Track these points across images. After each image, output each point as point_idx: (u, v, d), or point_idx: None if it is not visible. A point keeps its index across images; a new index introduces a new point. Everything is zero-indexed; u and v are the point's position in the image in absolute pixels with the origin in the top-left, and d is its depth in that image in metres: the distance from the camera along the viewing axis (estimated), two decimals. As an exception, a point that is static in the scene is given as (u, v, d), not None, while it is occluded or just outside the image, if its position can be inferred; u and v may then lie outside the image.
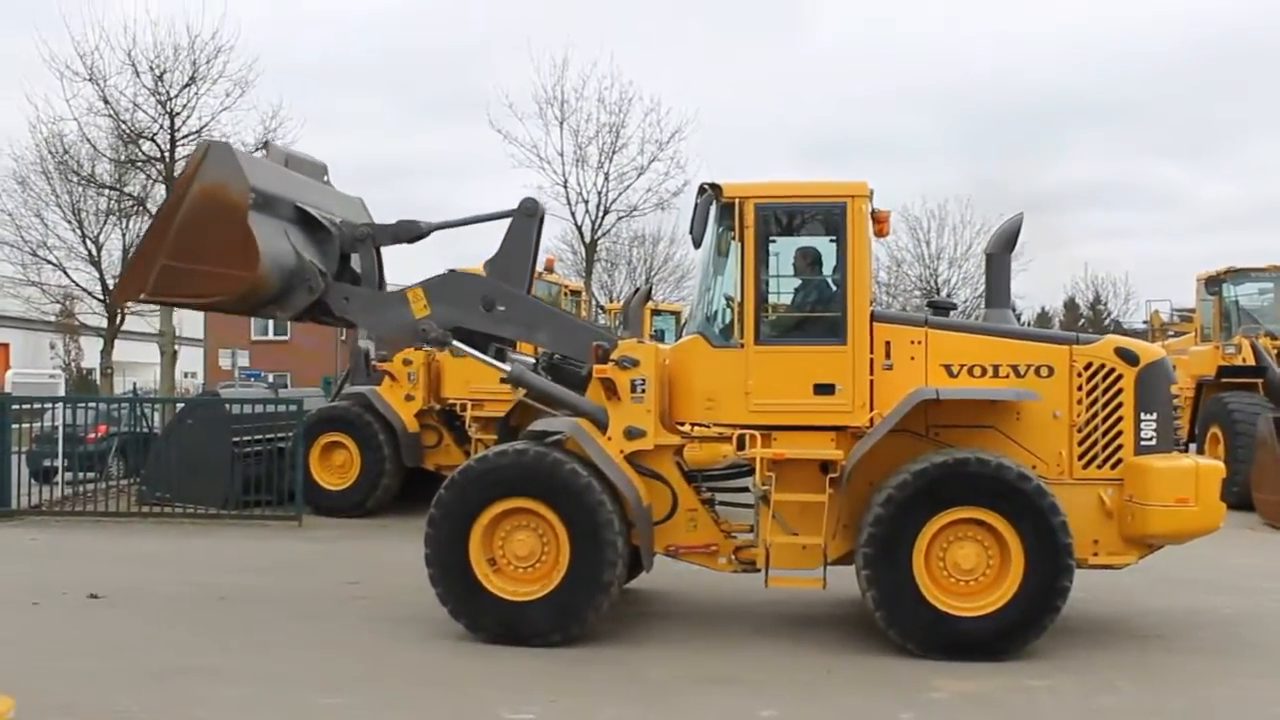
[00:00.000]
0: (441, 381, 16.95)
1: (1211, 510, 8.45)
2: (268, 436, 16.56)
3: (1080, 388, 8.64)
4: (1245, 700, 7.43)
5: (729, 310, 9.00)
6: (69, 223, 31.13)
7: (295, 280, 9.47)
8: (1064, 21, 76.95)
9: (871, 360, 8.63)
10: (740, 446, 8.72)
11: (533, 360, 9.86)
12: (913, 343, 8.76)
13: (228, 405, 17.81)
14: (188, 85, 26.50)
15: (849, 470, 8.44)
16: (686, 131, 33.69)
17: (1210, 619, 9.71)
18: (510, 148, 32.66)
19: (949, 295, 43.36)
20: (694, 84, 65.76)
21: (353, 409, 16.81)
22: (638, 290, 18.45)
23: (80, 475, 17.68)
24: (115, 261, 30.98)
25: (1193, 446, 17.77)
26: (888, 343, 8.72)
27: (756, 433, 8.65)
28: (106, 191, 30.01)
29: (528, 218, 9.94)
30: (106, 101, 26.42)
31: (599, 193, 32.71)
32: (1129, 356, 8.68)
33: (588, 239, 33.47)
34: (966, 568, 8.16)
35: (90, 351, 44.18)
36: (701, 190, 8.91)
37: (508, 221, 9.90)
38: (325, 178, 10.61)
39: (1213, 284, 19.64)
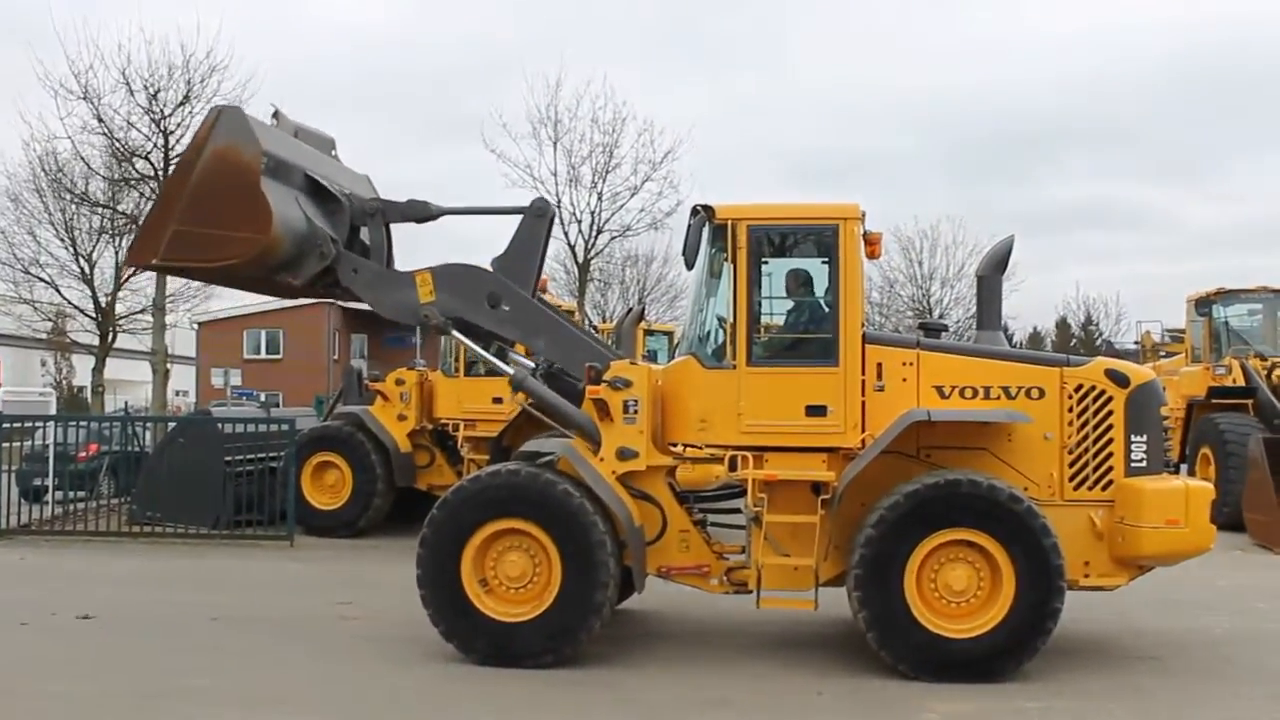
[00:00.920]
0: (434, 401, 16.98)
1: (1202, 532, 8.47)
2: (259, 456, 16.51)
3: (1071, 409, 8.67)
4: (1236, 722, 7.44)
5: (721, 331, 9.02)
6: (61, 240, 31.12)
7: (306, 246, 9.45)
8: (1052, 45, 77.55)
9: (863, 382, 8.65)
10: (732, 467, 8.73)
11: (533, 365, 9.79)
12: (904, 364, 8.78)
13: (219, 424, 17.76)
14: (182, 104, 26.49)
15: (841, 491, 8.46)
16: (679, 152, 33.78)
17: (1202, 639, 9.72)
18: (504, 167, 32.75)
19: (941, 316, 43.47)
20: (685, 104, 65.98)
21: (345, 429, 16.81)
22: (631, 310, 18.48)
23: (70, 494, 17.63)
24: (108, 280, 30.97)
25: (1184, 467, 17.81)
26: (879, 364, 8.74)
27: (748, 454, 8.66)
28: (99, 209, 30.00)
29: (538, 218, 9.95)
30: (100, 120, 26.40)
31: (592, 213, 32.75)
32: (1119, 378, 8.71)
33: (581, 259, 33.50)
34: (958, 589, 8.16)
35: (82, 369, 44.14)
36: (694, 212, 8.94)
37: (512, 219, 9.88)
38: (333, 152, 10.57)
39: (1202, 305, 19.72)
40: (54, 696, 7.75)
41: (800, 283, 9.02)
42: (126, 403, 33.73)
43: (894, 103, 75.26)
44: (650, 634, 9.87)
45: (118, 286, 31.04)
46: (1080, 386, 8.70)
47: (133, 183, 28.01)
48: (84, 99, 26.20)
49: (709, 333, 9.22)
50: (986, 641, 8.07)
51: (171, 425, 19.13)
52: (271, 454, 16.52)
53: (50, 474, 17.79)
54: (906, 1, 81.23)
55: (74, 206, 30.22)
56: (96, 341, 32.29)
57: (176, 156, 26.73)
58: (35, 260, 31.66)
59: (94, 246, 31.22)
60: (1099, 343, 47.68)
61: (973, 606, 8.18)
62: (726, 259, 8.80)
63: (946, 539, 8.15)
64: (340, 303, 45.91)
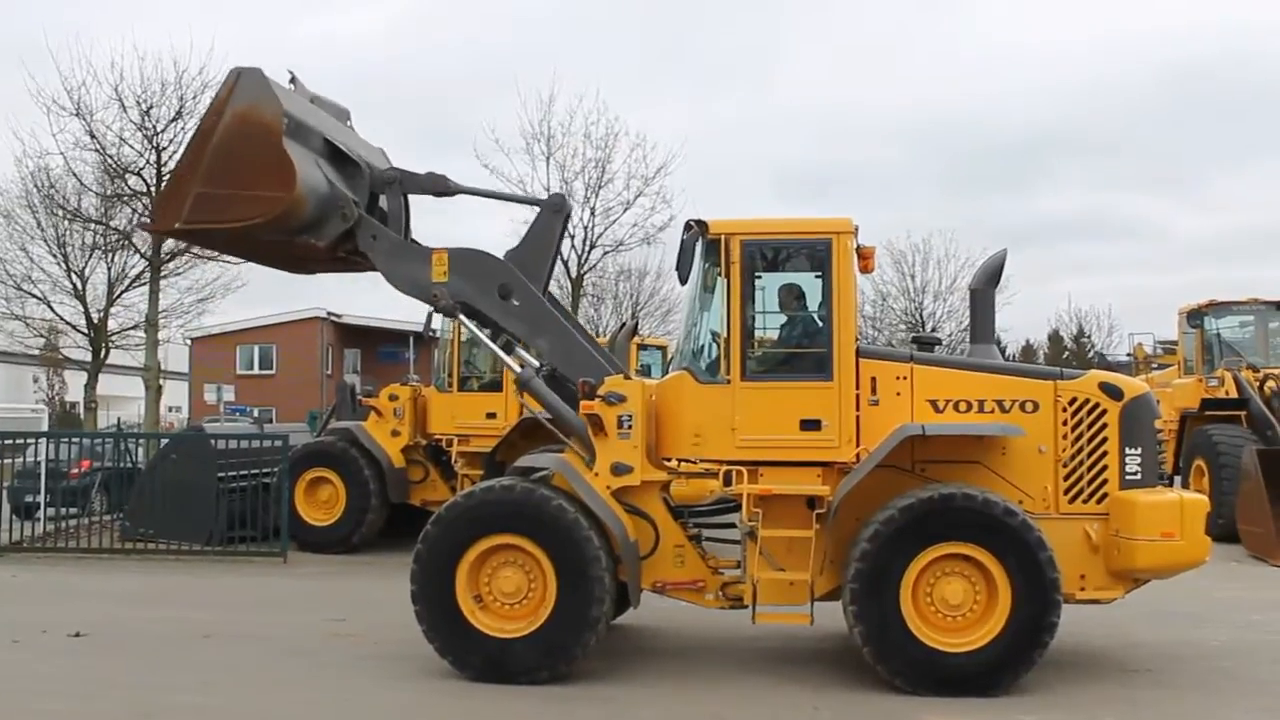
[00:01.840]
0: (428, 417, 16.95)
1: (1197, 544, 8.48)
2: (252, 472, 16.48)
3: (1065, 422, 8.68)
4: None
5: (715, 346, 9.03)
6: (54, 257, 31.02)
7: (329, 207, 9.39)
8: (1042, 59, 77.96)
9: (857, 396, 8.66)
10: (727, 482, 8.72)
11: (538, 365, 9.72)
12: (898, 378, 8.79)
13: (212, 440, 17.72)
14: (174, 120, 26.49)
15: (836, 506, 8.45)
16: (672, 167, 33.83)
17: (1198, 652, 9.72)
18: (497, 182, 32.78)
19: (934, 329, 43.54)
20: (676, 119, 66.18)
21: (338, 444, 16.78)
22: (624, 325, 18.49)
23: (63, 511, 17.56)
24: (100, 296, 30.88)
25: (1177, 479, 17.84)
26: (873, 378, 8.75)
27: (743, 468, 8.66)
28: (92, 226, 29.94)
29: (554, 213, 9.92)
30: (93, 136, 26.41)
31: (585, 227, 32.77)
32: (1113, 391, 8.72)
33: (574, 274, 33.51)
34: (954, 603, 8.15)
35: (74, 385, 43.94)
36: (688, 227, 8.95)
37: (518, 215, 9.88)
38: (348, 122, 10.51)
39: (1194, 317, 19.80)
40: (45, 715, 7.70)
41: (794, 297, 9.03)
42: (119, 419, 33.61)
43: (885, 116, 75.64)
44: (645, 649, 9.84)
45: (110, 302, 30.96)
46: (1074, 399, 8.71)
47: (125, 199, 28.00)
48: (76, 115, 26.25)
49: (703, 347, 9.23)
50: (983, 655, 8.06)
51: (164, 441, 19.04)
52: (265, 470, 16.48)
53: (42, 490, 17.72)
54: (897, 15, 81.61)
55: (66, 222, 30.14)
56: (89, 357, 32.19)
57: (169, 173, 26.81)
58: (27, 276, 31.58)
59: (86, 262, 31.14)
60: (1091, 355, 47.84)
61: (969, 620, 8.16)
62: (720, 274, 8.82)
63: (942, 553, 8.14)
64: (333, 318, 46.09)
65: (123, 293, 30.88)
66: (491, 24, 77.48)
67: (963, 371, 8.96)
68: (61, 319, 33.07)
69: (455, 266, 9.52)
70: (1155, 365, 23.75)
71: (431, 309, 9.85)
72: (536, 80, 73.50)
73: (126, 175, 27.06)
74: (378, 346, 46.29)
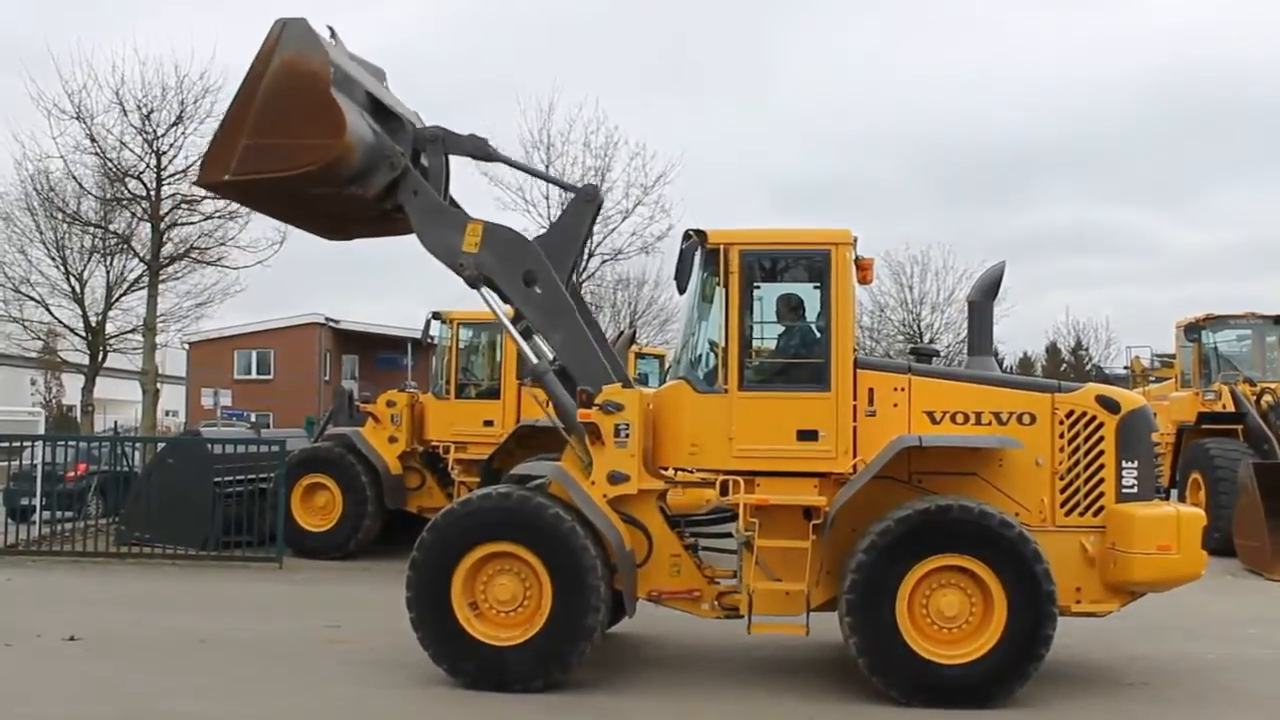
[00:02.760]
0: (425, 423, 16.94)
1: (1193, 558, 8.48)
2: (249, 477, 16.45)
3: (1062, 435, 8.69)
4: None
5: (713, 356, 9.04)
6: (53, 260, 30.98)
7: (376, 157, 9.32)
8: (1034, 74, 78.20)
9: (855, 407, 8.66)
10: (724, 492, 8.72)
11: (552, 357, 9.63)
12: (896, 389, 8.80)
13: (209, 445, 17.71)
14: (175, 124, 26.50)
15: (832, 516, 8.45)
16: (671, 176, 33.87)
17: (1193, 666, 9.71)
18: (496, 190, 32.79)
19: (932, 340, 43.57)
20: (676, 129, 66.33)
21: (335, 450, 16.76)
22: (622, 333, 18.50)
23: (58, 515, 17.52)
24: (98, 299, 30.84)
25: (1174, 493, 17.84)
26: (871, 389, 8.75)
27: (740, 478, 8.65)
28: (91, 229, 29.94)
29: (586, 203, 9.88)
30: (93, 140, 26.39)
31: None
32: (1110, 404, 8.73)
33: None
34: (950, 615, 8.15)
35: (71, 388, 43.90)
36: (687, 236, 8.97)
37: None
38: (384, 83, 10.41)
39: (1192, 331, 19.83)
40: (39, 720, 7.69)
41: (792, 307, 9.04)
42: (116, 422, 33.57)
43: (885, 129, 75.75)
44: (641, 659, 9.83)
45: (108, 306, 30.94)
46: (1071, 412, 8.72)
47: (124, 202, 28.01)
48: (77, 119, 26.24)
49: (701, 357, 9.24)
50: (978, 668, 8.05)
51: (161, 445, 19.02)
52: (261, 475, 16.46)
53: (38, 494, 17.69)
54: (896, 29, 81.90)
55: (65, 226, 30.12)
56: (86, 361, 32.16)
57: (169, 177, 26.86)
58: (26, 279, 31.53)
59: (85, 266, 31.14)
60: (1089, 368, 47.88)
61: (965, 632, 8.16)
62: (719, 283, 8.83)
63: (938, 564, 8.14)
64: (331, 323, 46.07)
65: (121, 296, 30.86)
66: (492, 33, 77.65)
67: (960, 383, 8.97)
68: (59, 322, 33.04)
69: (488, 241, 9.42)
70: (1153, 378, 23.79)
71: (460, 278, 9.63)
72: (536, 89, 73.51)
73: (126, 179, 27.07)
74: (376, 352, 46.25)
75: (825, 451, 8.59)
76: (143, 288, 29.13)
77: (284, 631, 10.90)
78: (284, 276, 57.88)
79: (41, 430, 27.57)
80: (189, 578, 14.53)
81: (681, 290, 9.05)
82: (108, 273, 30.99)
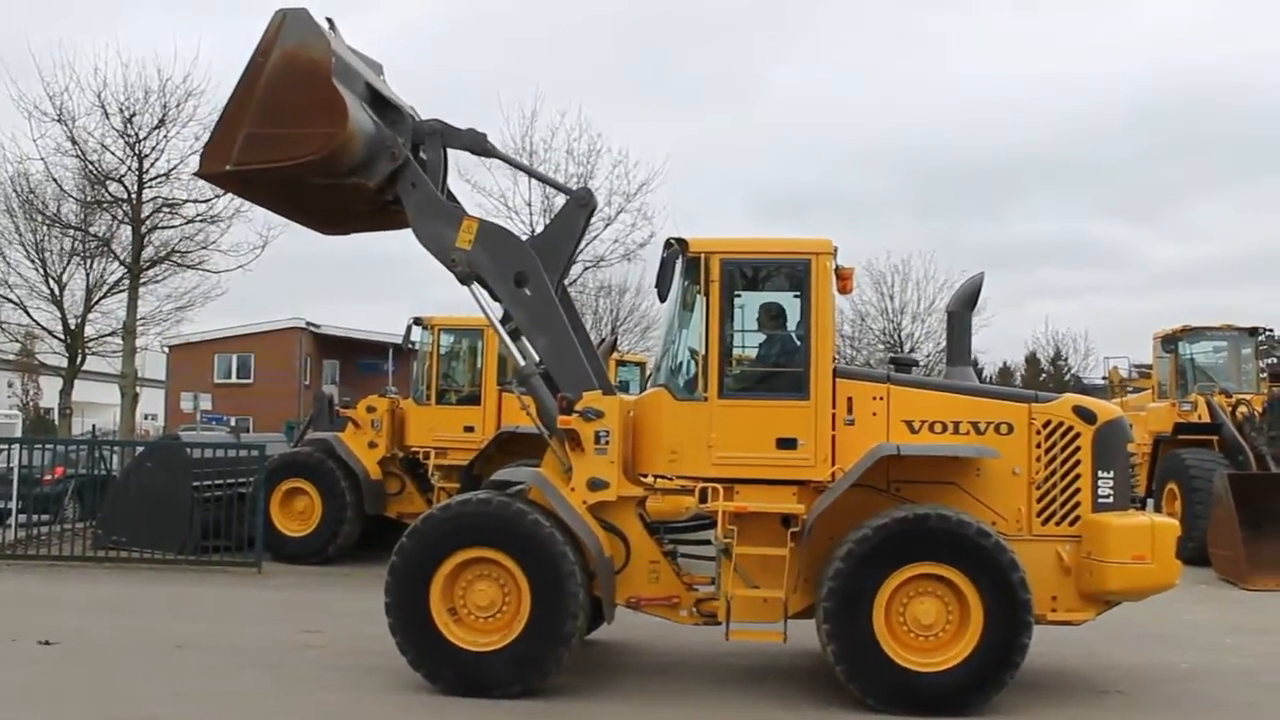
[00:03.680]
0: (405, 429, 16.92)
1: (1168, 567, 8.55)
2: (228, 481, 16.38)
3: (1039, 445, 8.74)
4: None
5: (693, 363, 9.06)
6: (32, 262, 30.81)
7: (378, 147, 9.33)
8: (1015, 88, 78.76)
9: (834, 415, 8.70)
10: (703, 499, 8.75)
11: (538, 360, 9.61)
12: (875, 398, 8.84)
13: (188, 449, 17.62)
14: (157, 128, 26.40)
15: (810, 524, 8.48)
16: (653, 184, 33.94)
17: (1168, 674, 9.79)
18: (478, 197, 32.75)
19: (912, 349, 43.69)
20: (658, 138, 66.46)
21: (315, 455, 16.71)
22: (603, 341, 18.51)
23: (35, 518, 17.40)
24: (78, 301, 30.70)
25: (1150, 503, 17.96)
26: (850, 398, 8.79)
27: (719, 486, 8.68)
28: (71, 232, 29.80)
29: (580, 207, 9.92)
30: (74, 142, 26.29)
31: (566, 242, 32.74)
32: (1087, 415, 8.80)
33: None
34: (926, 623, 8.19)
35: (49, 391, 43.62)
36: (668, 245, 9.00)
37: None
38: (381, 76, 10.39)
39: (1169, 342, 19.98)
40: (14, 724, 7.64)
41: (772, 316, 9.08)
42: (94, 426, 33.38)
43: (864, 139, 76.06)
44: (619, 665, 9.84)
45: (88, 309, 30.79)
46: (1048, 422, 8.78)
47: (105, 205, 27.88)
48: (58, 121, 26.12)
49: (681, 364, 9.26)
50: (955, 675, 8.09)
51: (139, 449, 18.91)
52: (240, 479, 16.40)
53: (14, 497, 17.55)
54: (877, 40, 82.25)
55: (45, 228, 29.98)
56: (65, 363, 31.99)
57: (151, 179, 26.76)
58: (4, 281, 31.35)
59: (64, 268, 30.99)
60: (1068, 378, 48.13)
61: (941, 640, 8.20)
62: (699, 291, 8.86)
63: (915, 573, 8.17)
64: (312, 328, 45.92)
65: (101, 299, 30.72)
66: (475, 41, 77.62)
67: (939, 393, 9.02)
68: (38, 324, 32.84)
69: (482, 238, 9.43)
70: (1130, 389, 23.92)
71: (451, 273, 9.62)
72: (520, 96, 73.50)
73: (107, 182, 26.95)
74: (357, 358, 46.12)
75: (804, 460, 8.63)
76: (123, 291, 29.00)
77: (262, 636, 10.86)
78: (265, 280, 57.76)
79: (18, 433, 27.41)
80: (166, 582, 14.46)
81: (662, 298, 9.07)
82: (87, 275, 30.85)
